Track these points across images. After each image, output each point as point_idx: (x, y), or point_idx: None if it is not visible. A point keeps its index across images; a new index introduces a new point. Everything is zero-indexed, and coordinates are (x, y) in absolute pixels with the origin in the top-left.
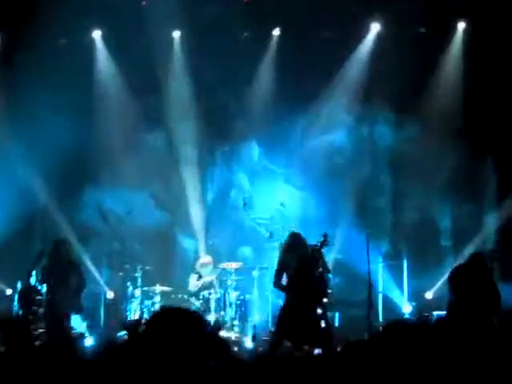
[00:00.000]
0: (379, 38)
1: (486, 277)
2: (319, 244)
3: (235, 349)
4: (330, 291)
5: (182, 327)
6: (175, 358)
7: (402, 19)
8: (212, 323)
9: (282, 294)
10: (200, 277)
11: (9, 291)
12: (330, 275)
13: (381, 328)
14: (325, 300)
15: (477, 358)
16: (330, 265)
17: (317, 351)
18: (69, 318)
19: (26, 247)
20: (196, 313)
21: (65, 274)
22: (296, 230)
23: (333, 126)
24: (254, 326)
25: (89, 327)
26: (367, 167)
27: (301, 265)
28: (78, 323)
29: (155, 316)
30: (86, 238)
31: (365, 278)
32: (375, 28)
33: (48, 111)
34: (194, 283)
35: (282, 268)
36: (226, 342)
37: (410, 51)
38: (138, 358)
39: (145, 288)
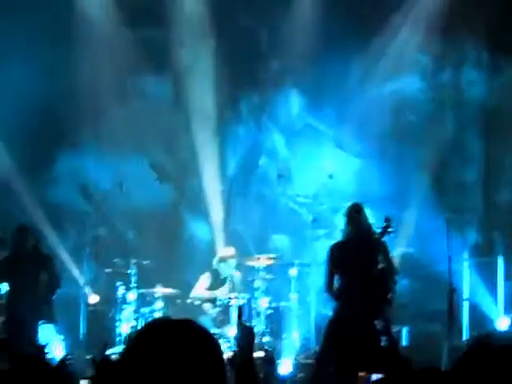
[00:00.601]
0: None
1: None
2: (380, 232)
3: (265, 375)
4: (394, 297)
5: (183, 352)
6: None
7: None
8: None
9: (331, 299)
10: (217, 276)
11: None
12: (396, 276)
13: (466, 349)
14: (387, 310)
15: None
16: (395, 260)
17: (375, 377)
18: (35, 330)
19: None
20: (208, 332)
21: (31, 270)
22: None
23: (402, 70)
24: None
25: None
26: (449, 126)
27: (355, 260)
28: (50, 336)
29: (145, 332)
30: (60, 223)
31: (444, 280)
32: None
33: (8, 46)
34: (203, 285)
35: (333, 264)
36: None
37: None
38: None
39: (141, 290)
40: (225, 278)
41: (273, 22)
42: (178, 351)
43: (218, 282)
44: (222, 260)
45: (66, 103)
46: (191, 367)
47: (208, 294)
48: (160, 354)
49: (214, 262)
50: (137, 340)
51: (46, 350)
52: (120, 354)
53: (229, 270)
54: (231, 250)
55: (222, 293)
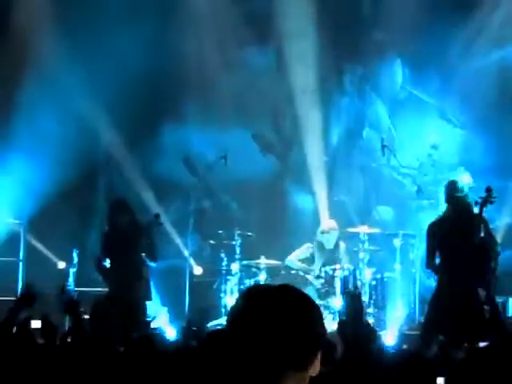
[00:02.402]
0: None
1: None
2: (481, 202)
3: (372, 344)
4: (496, 268)
5: (283, 315)
6: (277, 353)
7: None
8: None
9: (432, 273)
10: (317, 251)
11: (61, 264)
12: (499, 248)
13: None
14: (491, 280)
15: None
16: (498, 233)
17: (480, 344)
18: (142, 304)
19: (85, 205)
20: (307, 296)
21: (126, 247)
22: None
23: (509, 38)
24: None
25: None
26: None
27: (455, 233)
28: (155, 309)
29: (254, 295)
30: (164, 195)
31: None
32: None
33: (114, 24)
34: (302, 254)
35: (434, 239)
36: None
37: None
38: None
39: (245, 262)
40: (329, 250)
41: None
42: (279, 314)
43: (321, 252)
44: (325, 231)
45: (171, 76)
46: (290, 330)
47: (300, 266)
48: (262, 318)
49: (318, 233)
50: (242, 303)
51: (151, 325)
52: (228, 322)
53: (332, 241)
54: (333, 223)
55: (316, 267)
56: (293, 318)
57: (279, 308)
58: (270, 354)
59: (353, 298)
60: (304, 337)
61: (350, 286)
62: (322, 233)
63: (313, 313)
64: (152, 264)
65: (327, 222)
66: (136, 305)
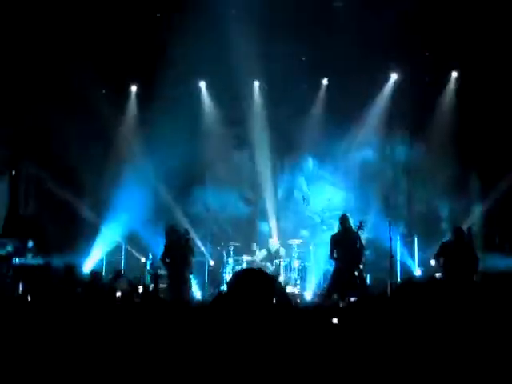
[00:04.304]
0: (396, 83)
1: (467, 246)
2: (357, 228)
3: (298, 300)
4: (363, 260)
5: (258, 281)
6: (255, 300)
7: (412, 70)
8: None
9: (331, 262)
10: (267, 251)
11: (143, 259)
12: (365, 250)
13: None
14: (361, 266)
15: (465, 303)
16: (364, 242)
17: (353, 299)
18: (186, 278)
19: (154, 231)
20: (267, 273)
21: (183, 254)
22: (345, 213)
23: (365, 145)
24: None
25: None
26: (389, 174)
27: (345, 241)
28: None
29: (240, 273)
30: (195, 224)
31: (388, 250)
32: (393, 77)
33: (170, 139)
34: (260, 255)
35: (333, 244)
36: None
37: (419, 93)
38: (232, 300)
39: (235, 257)
40: (274, 251)
41: (301, 124)
42: (257, 282)
43: (269, 253)
44: (271, 243)
45: (197, 164)
46: (263, 288)
47: (258, 258)
48: (252, 284)
49: (268, 244)
50: (236, 278)
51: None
52: (227, 286)
53: (275, 248)
54: (276, 239)
55: (260, 257)
56: (262, 281)
57: (255, 277)
58: (252, 299)
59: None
60: (267, 289)
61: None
62: (270, 243)
63: (271, 278)
64: (191, 259)
65: (273, 239)
66: (184, 279)
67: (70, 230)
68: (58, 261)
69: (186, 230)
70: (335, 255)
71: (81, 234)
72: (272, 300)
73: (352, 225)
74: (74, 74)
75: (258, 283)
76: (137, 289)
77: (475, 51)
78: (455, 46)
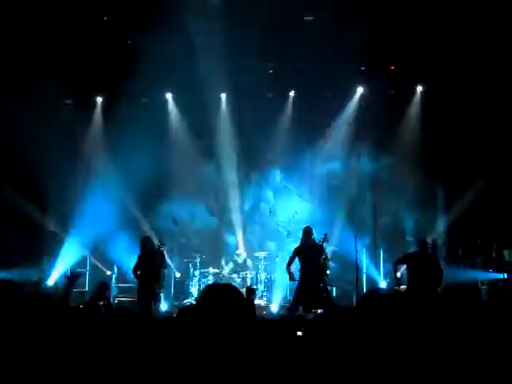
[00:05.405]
0: (362, 97)
1: (431, 258)
2: (322, 240)
3: (264, 312)
4: (328, 272)
5: (228, 297)
6: (223, 315)
7: (378, 84)
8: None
9: (297, 274)
10: (234, 264)
11: (108, 272)
12: (330, 262)
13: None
14: (325, 278)
15: (428, 315)
16: (329, 254)
17: (319, 311)
18: (156, 293)
19: (120, 244)
20: (235, 287)
21: (156, 261)
22: (309, 225)
23: (331, 158)
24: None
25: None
26: (355, 186)
27: (309, 254)
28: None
29: (207, 289)
30: (162, 237)
31: (353, 263)
32: (360, 90)
33: (137, 150)
34: (227, 268)
35: (294, 256)
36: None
37: (384, 106)
38: (200, 315)
39: (202, 270)
40: (240, 263)
41: (268, 136)
42: (226, 297)
43: (236, 266)
44: (238, 255)
45: (165, 177)
46: (233, 304)
47: (227, 271)
48: (217, 300)
49: (235, 256)
50: (205, 294)
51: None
52: (196, 300)
53: (241, 259)
54: (242, 250)
55: (228, 270)
56: (230, 297)
57: (224, 293)
58: (220, 315)
59: (250, 290)
60: (236, 304)
61: (249, 284)
62: (237, 255)
63: (239, 293)
64: (164, 270)
65: (240, 250)
66: (154, 293)
67: (34, 243)
68: (19, 275)
69: (161, 242)
70: (299, 267)
71: (44, 247)
72: (241, 315)
73: (316, 237)
74: (38, 86)
75: (227, 299)
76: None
77: (440, 64)
78: (420, 60)
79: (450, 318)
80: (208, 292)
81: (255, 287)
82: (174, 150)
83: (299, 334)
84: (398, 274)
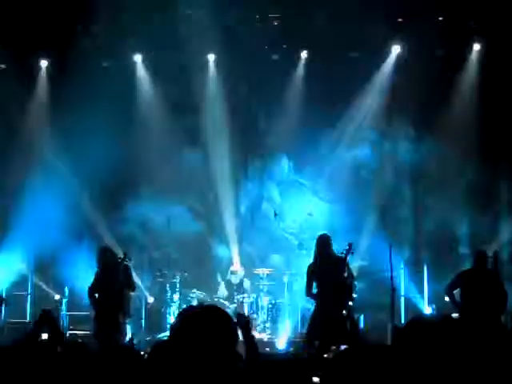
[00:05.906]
0: (400, 58)
1: (492, 277)
2: (345, 252)
3: (267, 349)
4: (355, 296)
5: (213, 324)
6: (206, 355)
7: (422, 41)
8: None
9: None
10: (226, 284)
11: (57, 296)
12: (356, 281)
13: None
14: (350, 304)
15: (487, 352)
16: (354, 271)
17: (342, 348)
18: (121, 323)
19: (75, 258)
20: (223, 311)
21: (116, 281)
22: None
23: (358, 142)
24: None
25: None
26: (390, 180)
27: (326, 271)
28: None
29: (184, 315)
30: (127, 248)
31: (388, 283)
32: (396, 50)
33: (93, 130)
34: (221, 290)
35: (311, 276)
36: (255, 342)
37: (429, 71)
38: (178, 355)
39: (183, 292)
40: (236, 284)
41: (270, 111)
42: (209, 326)
43: (230, 287)
44: (233, 273)
45: (131, 167)
46: (218, 336)
47: (217, 295)
48: (197, 331)
49: (228, 274)
50: (182, 320)
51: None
52: (170, 332)
53: (237, 279)
54: (239, 267)
55: (219, 294)
56: (218, 324)
57: (208, 319)
58: (200, 350)
59: (244, 319)
60: (224, 336)
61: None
62: (231, 273)
63: (229, 320)
64: (131, 292)
65: (235, 266)
66: (117, 323)
67: None
68: None
69: (126, 255)
70: (314, 291)
71: None
72: (232, 351)
73: (337, 248)
74: None
75: (212, 326)
76: None
77: (504, 14)
78: (478, 8)
79: None
80: (185, 319)
81: (255, 316)
82: (145, 132)
83: (315, 380)
84: (447, 298)
